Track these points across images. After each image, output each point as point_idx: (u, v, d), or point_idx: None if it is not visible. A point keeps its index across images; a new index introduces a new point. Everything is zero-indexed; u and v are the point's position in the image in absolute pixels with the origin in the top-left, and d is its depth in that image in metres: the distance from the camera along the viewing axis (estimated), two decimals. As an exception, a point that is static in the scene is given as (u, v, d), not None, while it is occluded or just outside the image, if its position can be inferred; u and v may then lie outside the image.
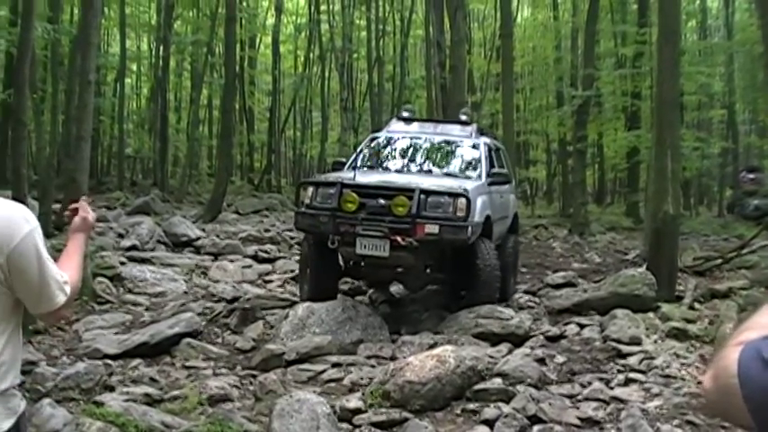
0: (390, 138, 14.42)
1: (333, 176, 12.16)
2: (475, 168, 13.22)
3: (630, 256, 18.38)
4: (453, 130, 14.49)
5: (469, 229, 11.04)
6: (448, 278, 12.14)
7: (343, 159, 14.36)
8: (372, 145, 14.26)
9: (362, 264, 11.86)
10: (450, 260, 11.84)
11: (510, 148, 22.69)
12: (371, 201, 11.09)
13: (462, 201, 11.06)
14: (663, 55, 13.91)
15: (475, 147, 13.77)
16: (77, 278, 3.14)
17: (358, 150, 14.16)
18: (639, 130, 30.27)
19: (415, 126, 14.82)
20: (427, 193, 11.14)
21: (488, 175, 12.91)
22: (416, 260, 11.30)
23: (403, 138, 14.29)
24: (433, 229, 10.80)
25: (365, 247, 10.91)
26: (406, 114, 15.40)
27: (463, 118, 14.99)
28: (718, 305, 11.97)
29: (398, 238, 10.71)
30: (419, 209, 10.91)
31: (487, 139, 14.41)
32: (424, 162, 13.81)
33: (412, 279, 12.29)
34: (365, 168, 13.05)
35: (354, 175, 11.69)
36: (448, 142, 14.16)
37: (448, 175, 13.00)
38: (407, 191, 11.12)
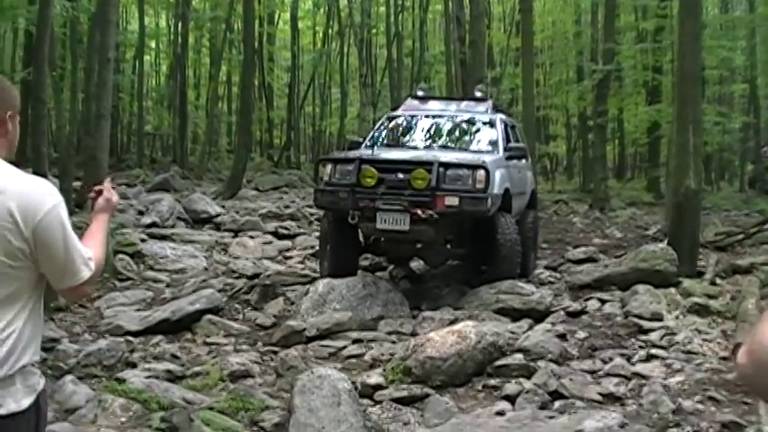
0: (406, 116, 14.45)
1: (351, 153, 12.19)
2: (492, 143, 13.23)
3: (651, 232, 18.30)
4: (469, 107, 14.52)
5: (489, 200, 11.04)
6: (468, 253, 12.08)
7: (360, 139, 14.37)
8: (389, 124, 14.31)
9: (383, 239, 11.97)
10: (470, 234, 11.83)
11: (530, 123, 22.63)
12: (390, 175, 11.11)
13: (481, 173, 11.06)
14: (684, 29, 13.79)
15: (491, 123, 13.79)
16: (102, 256, 3.13)
17: (374, 129, 14.30)
18: (660, 105, 30.13)
19: (430, 104, 14.99)
20: (446, 165, 11.13)
21: (505, 150, 12.93)
22: (437, 234, 11.22)
23: (419, 116, 14.34)
24: (453, 201, 10.80)
25: (385, 221, 10.90)
26: (420, 93, 15.43)
27: (478, 95, 15.08)
28: (740, 280, 11.90)
29: (419, 211, 10.70)
30: (438, 182, 10.90)
31: (503, 116, 14.41)
32: (441, 138, 13.83)
33: (432, 254, 12.22)
34: (383, 146, 13.13)
35: (373, 151, 11.82)
36: (464, 119, 14.17)
37: (465, 150, 13.03)
38: (426, 164, 11.09)
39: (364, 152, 11.94)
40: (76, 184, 18.29)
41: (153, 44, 46.40)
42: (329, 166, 11.76)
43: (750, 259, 13.40)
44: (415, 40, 43.45)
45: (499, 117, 14.02)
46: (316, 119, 50.49)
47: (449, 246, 11.94)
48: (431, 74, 44.83)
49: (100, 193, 3.42)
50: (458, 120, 14.20)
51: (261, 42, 41.33)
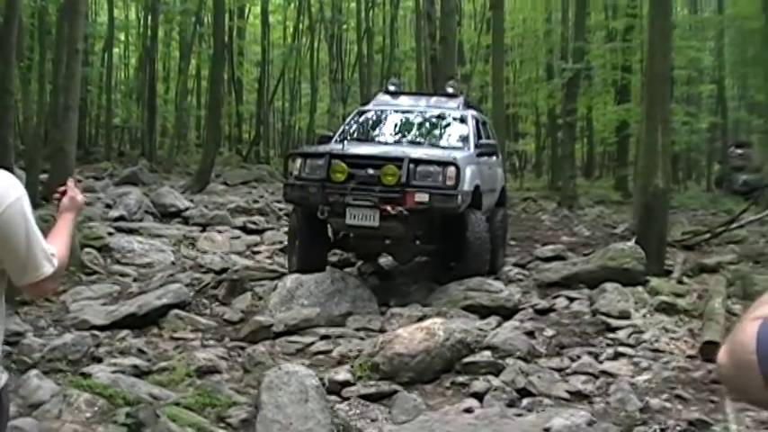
0: (378, 111, 14.34)
1: (321, 148, 12.16)
2: (463, 140, 13.21)
3: (619, 230, 18.39)
4: (441, 103, 14.48)
5: (459, 197, 11.01)
6: (437, 249, 12.07)
7: (330, 133, 14.19)
8: (359, 119, 14.23)
9: (352, 235, 11.87)
10: (439, 231, 11.81)
11: (499, 120, 22.65)
12: (360, 171, 11.07)
13: (452, 169, 11.05)
14: (654, 28, 13.85)
15: (462, 119, 13.78)
16: (65, 254, 3.06)
17: (345, 124, 14.18)
18: (629, 104, 30.24)
19: (401, 99, 14.83)
20: (416, 162, 11.14)
21: (476, 147, 12.93)
22: (406, 230, 11.23)
23: (390, 111, 14.25)
24: (422, 197, 10.76)
25: (355, 217, 10.85)
26: (392, 88, 15.24)
27: (450, 90, 14.94)
28: (707, 279, 11.99)
29: (388, 208, 10.66)
30: (409, 178, 10.89)
31: (474, 112, 14.42)
32: (412, 134, 13.78)
33: (401, 251, 12.22)
34: (353, 141, 12.94)
35: (343, 146, 11.69)
36: (435, 115, 14.13)
37: (436, 146, 13.01)
38: (397, 160, 11.09)
39: (334, 147, 11.86)
40: (44, 176, 18.13)
41: (122, 36, 46.10)
42: (299, 161, 11.68)
43: (717, 258, 13.52)
44: (385, 36, 43.40)
45: (470, 113, 14.02)
46: (285, 114, 50.30)
47: (418, 242, 11.93)
48: (401, 70, 44.78)
49: (64, 193, 3.37)
50: (428, 115, 14.16)
51: (231, 36, 41.14)
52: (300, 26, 45.61)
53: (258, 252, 15.44)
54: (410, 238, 11.67)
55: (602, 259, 11.97)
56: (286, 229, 16.58)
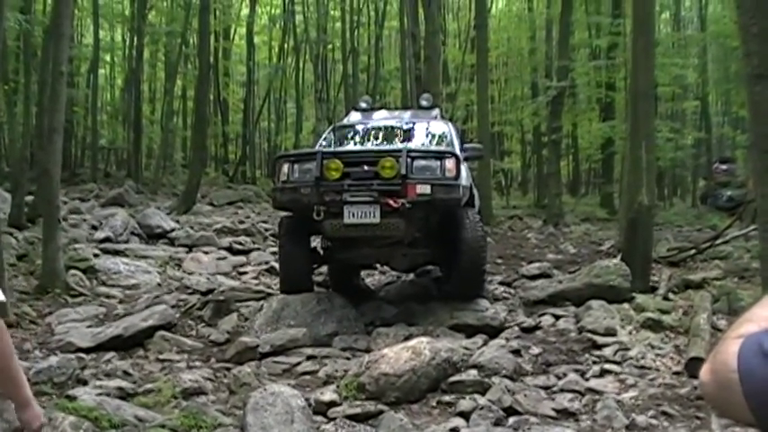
0: (355, 125, 14.00)
1: (310, 149, 12.01)
2: (448, 144, 12.78)
3: (605, 247, 18.40)
4: (418, 115, 14.28)
5: (460, 189, 10.72)
6: (434, 253, 11.90)
7: (307, 149, 14.00)
8: (337, 133, 13.76)
9: (346, 239, 11.28)
10: (436, 233, 11.42)
11: (485, 138, 22.75)
12: (356, 168, 10.66)
13: (452, 160, 10.70)
14: (637, 46, 13.93)
15: (443, 126, 13.59)
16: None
17: (321, 138, 13.67)
18: (614, 121, 30.33)
19: (376, 115, 14.71)
20: (414, 154, 10.82)
21: (462, 150, 12.52)
22: (407, 227, 10.71)
23: (368, 123, 13.92)
24: (424, 189, 10.39)
25: (354, 215, 10.38)
26: (363, 105, 14.95)
27: (424, 103, 14.61)
28: (692, 296, 11.99)
29: (390, 201, 10.26)
30: (408, 170, 10.46)
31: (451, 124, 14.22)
32: (397, 138, 13.35)
33: (399, 257, 12.08)
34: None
35: (334, 145, 11.57)
36: (417, 122, 13.79)
37: (420, 152, 12.28)
38: (394, 152, 10.77)
39: (327, 148, 11.59)
40: (29, 198, 18.10)
41: (108, 58, 46.02)
42: (286, 165, 11.10)
43: (702, 274, 13.52)
44: (370, 56, 43.54)
45: (449, 123, 14.00)
46: (271, 134, 50.31)
47: (413, 248, 11.67)
48: (386, 89, 44.89)
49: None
50: (410, 124, 13.81)
51: (216, 57, 41.18)
52: (285, 46, 45.66)
53: (244, 273, 15.43)
54: (409, 238, 11.20)
55: (588, 277, 11.99)
56: (273, 249, 16.61)
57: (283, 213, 12.02)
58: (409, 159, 10.58)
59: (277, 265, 14.63)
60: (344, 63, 40.80)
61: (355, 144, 13.24)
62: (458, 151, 11.92)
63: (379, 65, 43.22)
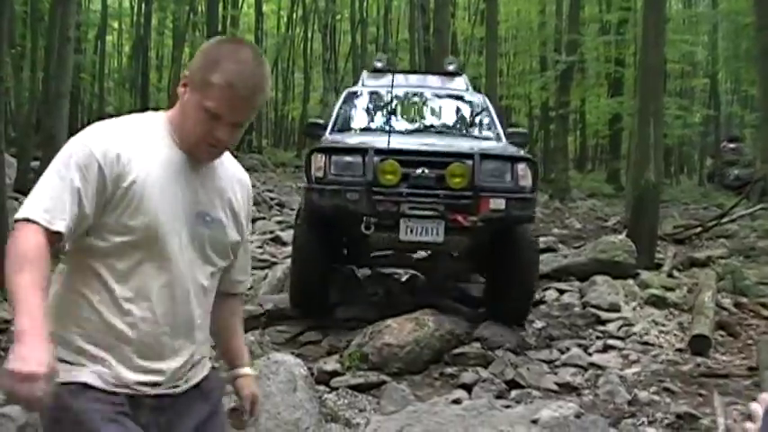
0: (373, 93, 11.67)
1: (354, 140, 9.64)
2: (490, 128, 10.91)
3: (611, 223, 18.39)
4: (444, 83, 12.12)
5: (535, 203, 9.25)
6: (477, 267, 10.32)
7: (320, 121, 11.52)
8: (354, 103, 11.54)
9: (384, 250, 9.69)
10: (486, 247, 9.37)
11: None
12: (416, 171, 8.60)
13: (525, 167, 8.86)
14: (647, 22, 13.85)
15: (480, 102, 11.55)
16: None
17: (336, 110, 11.26)
18: (622, 97, 30.32)
19: (395, 79, 11.04)
20: (487, 157, 8.80)
21: (506, 136, 10.58)
22: (473, 246, 9.16)
23: (389, 93, 10.98)
24: (498, 204, 8.52)
25: (412, 231, 8.45)
26: (378, 65, 12.32)
27: (450, 68, 12.49)
28: (697, 273, 11.98)
29: (459, 218, 8.39)
30: (480, 179, 8.53)
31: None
32: (432, 121, 11.42)
33: (439, 269, 10.67)
34: (357, 131, 10.59)
35: (388, 140, 8.83)
36: (448, 96, 11.74)
37: (468, 136, 10.75)
38: (464, 156, 8.74)
39: (375, 139, 9.19)
40: (35, 164, 18.08)
41: (115, 24, 45.97)
42: (325, 158, 8.80)
43: (707, 252, 13.52)
44: (379, 27, 43.44)
45: (485, 97, 12.01)
46: (278, 104, 50.28)
47: (457, 261, 10.15)
48: (394, 61, 44.79)
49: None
50: (442, 98, 11.71)
51: (225, 25, 41.03)
52: (294, 16, 45.58)
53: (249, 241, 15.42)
54: (467, 254, 9.72)
55: (593, 252, 11.96)
56: (278, 218, 16.53)
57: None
58: (483, 163, 8.69)
59: (282, 235, 14.64)
60: (353, 34, 40.74)
61: (380, 121, 11.09)
62: (503, 141, 10.32)
63: (388, 36, 43.12)
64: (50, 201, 2.44)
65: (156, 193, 2.58)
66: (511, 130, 11.31)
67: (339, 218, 8.75)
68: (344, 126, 10.68)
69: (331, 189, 8.59)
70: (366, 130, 10.66)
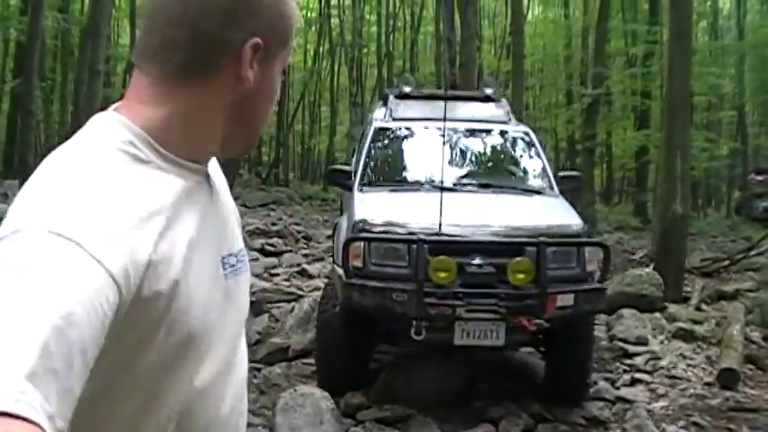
0: (403, 130, 9.97)
1: (396, 218, 7.85)
2: (542, 175, 9.42)
3: (638, 256, 18.31)
4: (482, 111, 10.31)
5: (605, 293, 7.92)
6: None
7: (347, 167, 9.72)
8: (381, 144, 9.77)
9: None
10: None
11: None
12: (468, 261, 7.27)
13: (596, 252, 7.72)
14: (674, 55, 13.86)
15: (526, 138, 9.94)
16: None
17: (365, 153, 9.41)
18: (649, 130, 30.27)
19: (425, 107, 9.95)
20: (552, 245, 7.33)
21: (558, 182, 9.22)
22: (533, 344, 8.36)
23: (422, 128, 9.74)
24: (566, 300, 7.24)
25: (469, 335, 7.18)
26: (407, 89, 10.59)
27: (488, 92, 10.71)
28: (725, 306, 11.92)
29: (524, 322, 7.08)
30: (545, 272, 7.15)
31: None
32: (476, 171, 9.70)
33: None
34: (389, 186, 8.92)
35: (440, 224, 7.30)
36: (489, 132, 10.04)
37: (517, 189, 9.08)
38: (525, 246, 7.32)
39: (422, 219, 7.63)
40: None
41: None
42: (364, 247, 7.46)
43: (735, 285, 13.46)
44: (405, 60, 43.63)
45: (531, 131, 10.25)
46: (305, 137, 50.54)
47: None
48: (422, 82, 45.01)
49: None
50: (481, 135, 10.03)
51: (252, 59, 41.37)
52: (321, 49, 45.86)
53: (276, 274, 15.42)
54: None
55: (620, 285, 11.92)
56: (305, 251, 16.52)
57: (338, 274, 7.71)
58: (548, 251, 7.27)
59: (309, 268, 14.67)
60: (379, 67, 40.93)
61: (412, 170, 9.51)
62: (555, 188, 9.05)
63: (414, 69, 43.29)
64: None
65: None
66: (562, 174, 9.83)
67: (384, 319, 7.64)
68: (375, 177, 9.13)
69: (372, 286, 7.24)
70: (403, 183, 9.10)
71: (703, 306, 12.14)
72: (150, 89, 1.53)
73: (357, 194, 8.55)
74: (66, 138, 1.64)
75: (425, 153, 9.28)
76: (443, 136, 8.58)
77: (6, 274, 1.20)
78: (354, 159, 10.09)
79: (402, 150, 10.08)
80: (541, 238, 7.23)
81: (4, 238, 1.27)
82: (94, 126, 1.53)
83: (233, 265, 1.68)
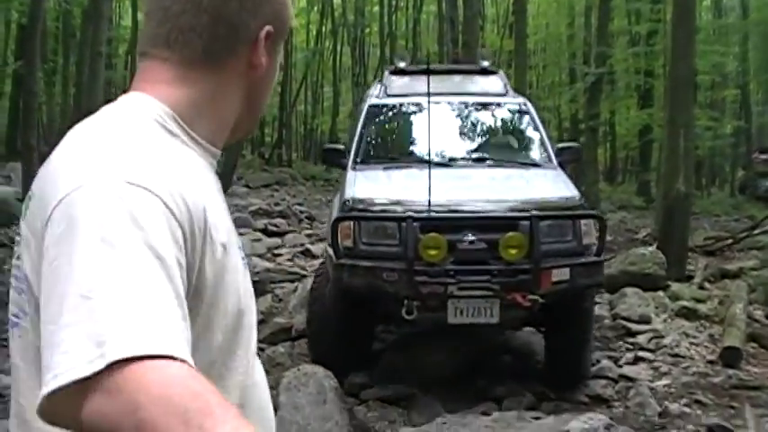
0: (399, 107, 9.88)
1: (386, 194, 7.91)
2: (540, 147, 9.27)
3: (641, 235, 18.30)
4: (479, 84, 10.24)
5: (603, 267, 7.80)
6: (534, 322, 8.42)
7: (341, 146, 9.72)
8: (377, 120, 9.73)
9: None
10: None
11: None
12: (460, 238, 7.15)
13: (591, 224, 7.64)
14: (677, 33, 13.82)
15: (523, 110, 9.73)
16: None
17: (359, 131, 9.17)
18: (652, 109, 30.21)
19: (422, 82, 8.64)
20: (545, 218, 7.24)
21: (556, 154, 9.07)
22: (529, 321, 8.18)
23: (418, 105, 9.33)
24: (562, 274, 7.12)
25: (462, 312, 7.05)
26: (402, 64, 10.49)
27: (485, 64, 10.57)
28: (729, 285, 11.92)
29: (518, 298, 6.96)
30: (539, 247, 7.01)
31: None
32: (473, 146, 9.68)
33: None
34: (383, 163, 8.78)
35: (429, 200, 7.08)
36: (486, 105, 9.90)
37: (514, 162, 8.95)
38: (518, 220, 7.19)
39: (412, 195, 7.51)
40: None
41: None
42: (354, 227, 7.36)
43: (739, 264, 13.45)
44: (408, 40, 43.48)
45: (528, 102, 10.09)
46: (308, 117, 50.47)
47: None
48: (417, 58, 44.94)
49: None
50: (479, 109, 9.90)
51: (254, 40, 41.30)
52: (323, 29, 45.72)
53: (279, 255, 15.44)
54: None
55: (623, 264, 11.92)
56: (308, 231, 16.53)
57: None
58: (542, 225, 7.17)
59: (312, 248, 14.70)
60: (382, 47, 40.80)
61: (410, 145, 9.48)
62: (554, 162, 8.86)
63: (417, 49, 43.18)
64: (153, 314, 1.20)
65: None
66: (561, 145, 9.63)
67: (376, 299, 7.45)
68: (369, 155, 9.02)
69: (364, 266, 7.13)
70: (395, 160, 8.94)
71: (706, 285, 12.14)
72: (170, 73, 1.56)
73: (350, 173, 8.41)
74: (71, 120, 1.71)
75: (419, 129, 9.09)
76: (428, 111, 8.10)
77: (110, 226, 1.25)
78: (349, 137, 10.08)
79: (396, 127, 10.08)
80: (534, 212, 7.10)
81: (79, 187, 1.30)
82: (126, 100, 1.56)
83: (242, 258, 1.67)
